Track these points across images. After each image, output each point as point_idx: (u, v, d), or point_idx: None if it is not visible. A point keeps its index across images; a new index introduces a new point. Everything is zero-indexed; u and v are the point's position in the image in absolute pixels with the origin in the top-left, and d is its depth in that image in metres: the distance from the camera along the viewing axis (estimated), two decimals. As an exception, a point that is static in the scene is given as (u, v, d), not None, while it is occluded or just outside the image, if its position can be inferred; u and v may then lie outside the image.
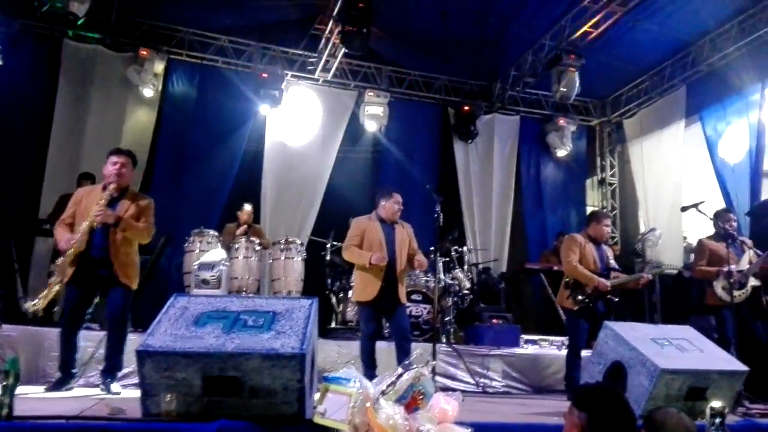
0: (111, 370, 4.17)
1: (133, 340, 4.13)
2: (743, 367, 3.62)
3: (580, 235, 5.20)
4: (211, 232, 6.67)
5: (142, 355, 2.55)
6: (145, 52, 7.77)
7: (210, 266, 6.00)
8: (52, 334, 4.63)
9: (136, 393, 2.72)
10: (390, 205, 4.83)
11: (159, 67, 7.97)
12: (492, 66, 9.17)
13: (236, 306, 2.97)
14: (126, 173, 4.22)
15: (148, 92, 7.93)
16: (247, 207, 7.23)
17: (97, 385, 4.33)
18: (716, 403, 2.12)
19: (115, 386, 4.11)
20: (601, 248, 5.14)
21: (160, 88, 8.09)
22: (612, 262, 5.13)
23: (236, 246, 6.66)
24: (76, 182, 6.42)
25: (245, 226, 7.12)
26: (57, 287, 4.06)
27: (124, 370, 4.46)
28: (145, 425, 2.51)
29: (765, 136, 7.38)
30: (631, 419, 2.09)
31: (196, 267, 6.05)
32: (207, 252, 6.30)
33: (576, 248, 5.03)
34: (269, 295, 6.59)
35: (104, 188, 4.17)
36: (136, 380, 4.24)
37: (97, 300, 4.49)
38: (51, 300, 4.16)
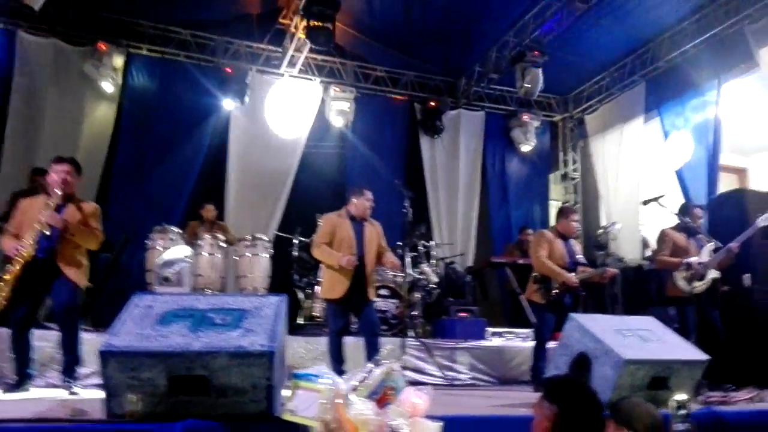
0: (69, 367, 4.10)
1: (96, 340, 4.02)
2: (704, 356, 3.72)
3: (549, 230, 5.30)
4: (174, 228, 6.54)
5: (106, 355, 2.49)
6: (103, 46, 7.55)
7: (171, 263, 5.88)
8: (7, 333, 4.48)
9: (99, 394, 2.65)
10: (361, 203, 4.82)
11: (118, 61, 7.78)
12: (457, 62, 9.22)
13: (203, 304, 2.91)
14: (71, 181, 4.22)
15: (107, 87, 7.72)
16: (210, 205, 7.17)
17: (57, 386, 4.23)
18: (680, 396, 2.17)
19: (76, 387, 4.04)
20: (569, 243, 5.25)
21: (119, 82, 7.88)
22: (579, 256, 5.25)
23: (200, 243, 6.54)
24: (29, 178, 6.22)
25: (209, 223, 7.03)
26: (4, 294, 3.98)
27: (86, 370, 4.35)
28: (108, 426, 2.44)
29: (721, 132, 7.61)
30: (599, 411, 2.13)
31: (158, 264, 5.92)
32: (169, 249, 6.18)
33: (545, 244, 5.13)
34: (236, 293, 6.50)
35: (48, 196, 4.16)
36: (98, 381, 4.17)
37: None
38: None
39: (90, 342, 4.27)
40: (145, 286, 6.23)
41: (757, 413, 3.44)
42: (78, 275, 4.15)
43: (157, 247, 6.30)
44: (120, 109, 7.91)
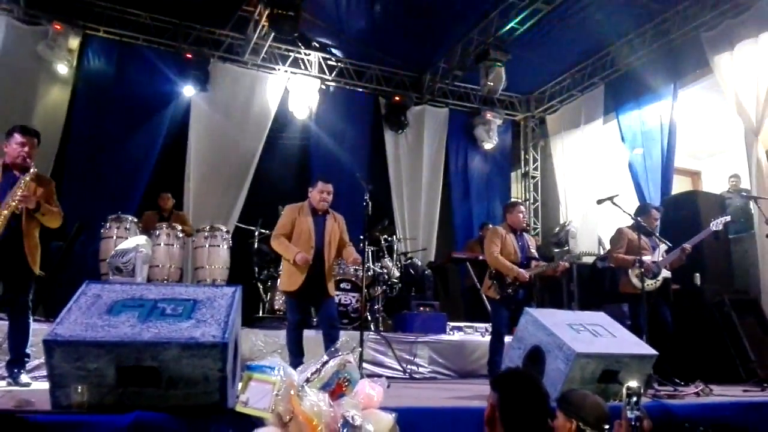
0: (18, 360, 3.90)
1: (45, 330, 3.87)
2: (652, 351, 3.83)
3: (500, 227, 5.38)
4: (130, 217, 6.38)
5: (51, 344, 2.41)
6: (58, 27, 7.29)
7: (124, 253, 5.71)
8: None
9: (47, 385, 2.56)
10: (315, 194, 4.74)
11: (74, 42, 7.51)
12: (422, 58, 9.24)
13: (153, 294, 2.86)
14: (34, 155, 3.98)
15: (61, 69, 7.47)
16: (167, 194, 7.09)
17: (3, 378, 4.03)
18: (633, 383, 2.22)
19: (24, 377, 3.85)
20: (522, 238, 5.33)
21: (74, 65, 7.63)
22: (533, 251, 5.33)
23: (157, 233, 6.40)
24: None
25: (167, 213, 6.90)
26: None
27: (35, 362, 4.18)
28: (54, 417, 2.36)
29: (676, 135, 7.82)
30: (541, 398, 2.14)
31: (112, 254, 5.76)
32: (125, 239, 6.03)
33: (498, 240, 5.20)
34: (189, 283, 6.38)
35: (5, 167, 3.91)
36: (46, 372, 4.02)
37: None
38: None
39: (41, 332, 4.10)
40: (99, 276, 6.06)
41: (704, 407, 3.55)
42: (36, 260, 3.93)
43: (113, 237, 6.15)
44: (74, 93, 7.66)
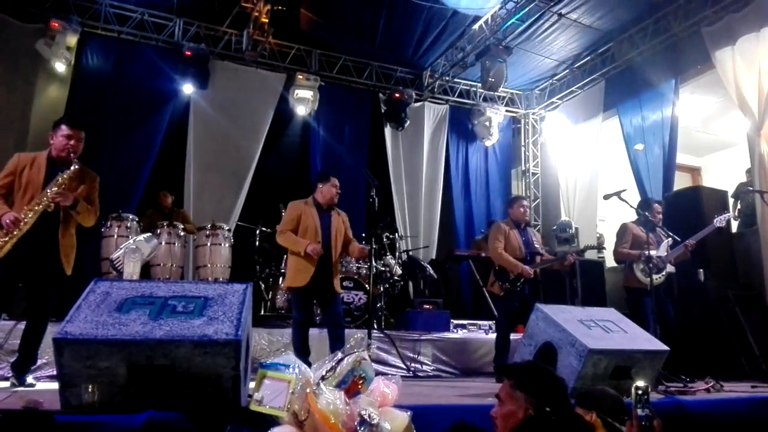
0: (27, 361, 3.74)
1: (50, 330, 3.74)
2: (664, 347, 3.81)
3: (503, 222, 5.35)
4: (131, 216, 6.32)
5: (60, 343, 2.36)
6: (56, 24, 7.21)
7: (115, 251, 5.61)
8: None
9: (53, 385, 2.51)
10: (328, 189, 4.72)
11: (72, 40, 7.45)
12: (422, 54, 9.19)
13: (163, 291, 2.81)
14: (80, 149, 3.80)
15: (59, 67, 7.40)
16: (167, 192, 7.04)
17: (5, 378, 3.92)
18: (641, 382, 2.19)
19: (28, 378, 3.74)
20: (526, 232, 5.30)
21: (72, 62, 7.56)
22: (537, 246, 5.30)
23: (158, 231, 6.33)
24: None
25: (167, 210, 6.84)
26: None
27: (40, 361, 4.10)
28: (65, 417, 2.30)
29: (678, 130, 7.80)
30: (568, 397, 2.13)
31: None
32: (126, 238, 5.96)
33: (501, 236, 5.19)
34: (198, 280, 6.32)
35: (50, 160, 3.73)
36: (50, 372, 3.94)
37: None
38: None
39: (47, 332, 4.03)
40: (100, 275, 5.99)
41: (718, 402, 3.52)
42: (71, 261, 3.73)
43: (113, 235, 6.09)
44: (73, 91, 7.58)
